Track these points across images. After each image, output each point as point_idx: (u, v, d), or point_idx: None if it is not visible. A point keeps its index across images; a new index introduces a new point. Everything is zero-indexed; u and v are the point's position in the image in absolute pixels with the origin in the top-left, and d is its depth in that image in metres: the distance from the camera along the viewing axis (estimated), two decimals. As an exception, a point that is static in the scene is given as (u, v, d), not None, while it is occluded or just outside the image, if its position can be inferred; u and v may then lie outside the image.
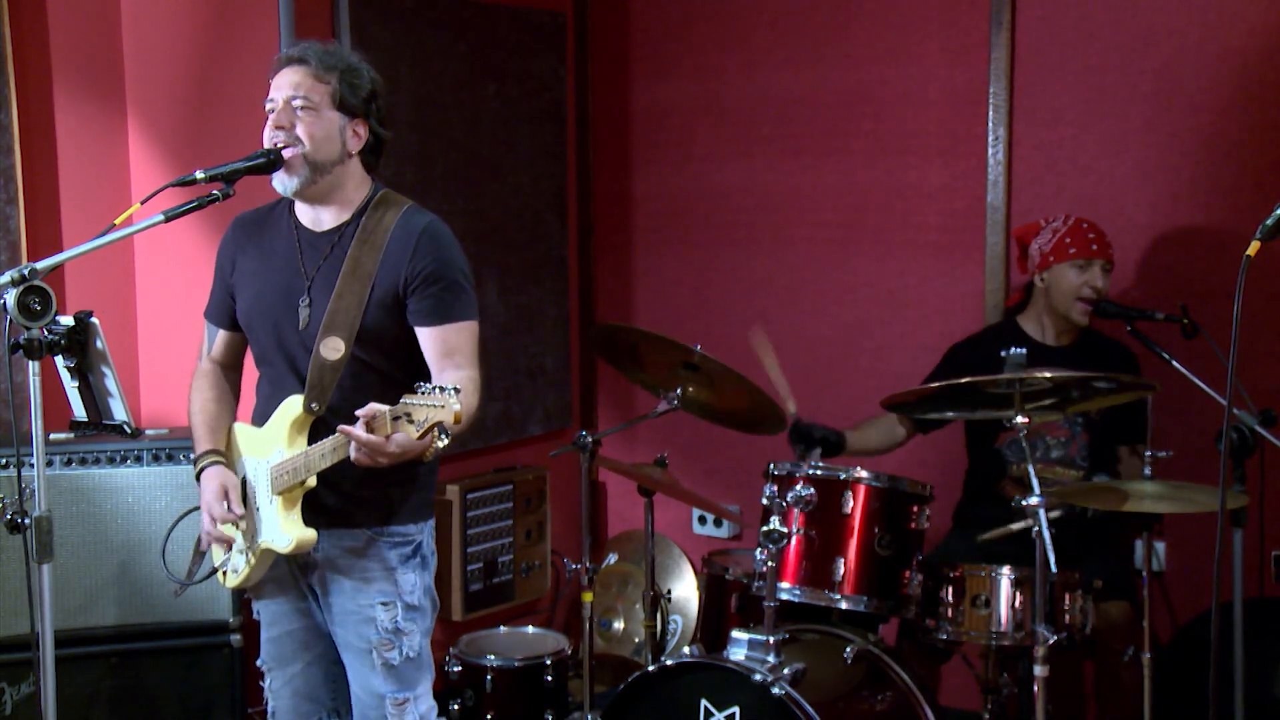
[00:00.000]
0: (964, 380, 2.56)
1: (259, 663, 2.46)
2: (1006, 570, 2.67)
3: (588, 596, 3.02)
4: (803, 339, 3.91)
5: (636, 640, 3.98)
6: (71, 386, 2.35)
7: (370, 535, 2.29)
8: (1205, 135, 3.28)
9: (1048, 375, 2.49)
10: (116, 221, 2.10)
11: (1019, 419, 2.51)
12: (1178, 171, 3.31)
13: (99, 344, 2.27)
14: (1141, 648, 2.66)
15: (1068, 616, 2.70)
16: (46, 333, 1.98)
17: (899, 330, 3.79)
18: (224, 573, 2.42)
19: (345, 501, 2.28)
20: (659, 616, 3.05)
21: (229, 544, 2.35)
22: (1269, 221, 1.82)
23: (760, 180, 3.97)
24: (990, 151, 3.58)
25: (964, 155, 3.64)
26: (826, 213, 3.88)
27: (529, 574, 3.94)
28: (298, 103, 2.24)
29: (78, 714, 2.97)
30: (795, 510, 2.71)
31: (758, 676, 2.50)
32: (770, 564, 2.58)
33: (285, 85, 2.27)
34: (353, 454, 2.06)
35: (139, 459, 2.99)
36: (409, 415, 1.97)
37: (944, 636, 2.72)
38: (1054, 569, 2.39)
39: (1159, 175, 3.34)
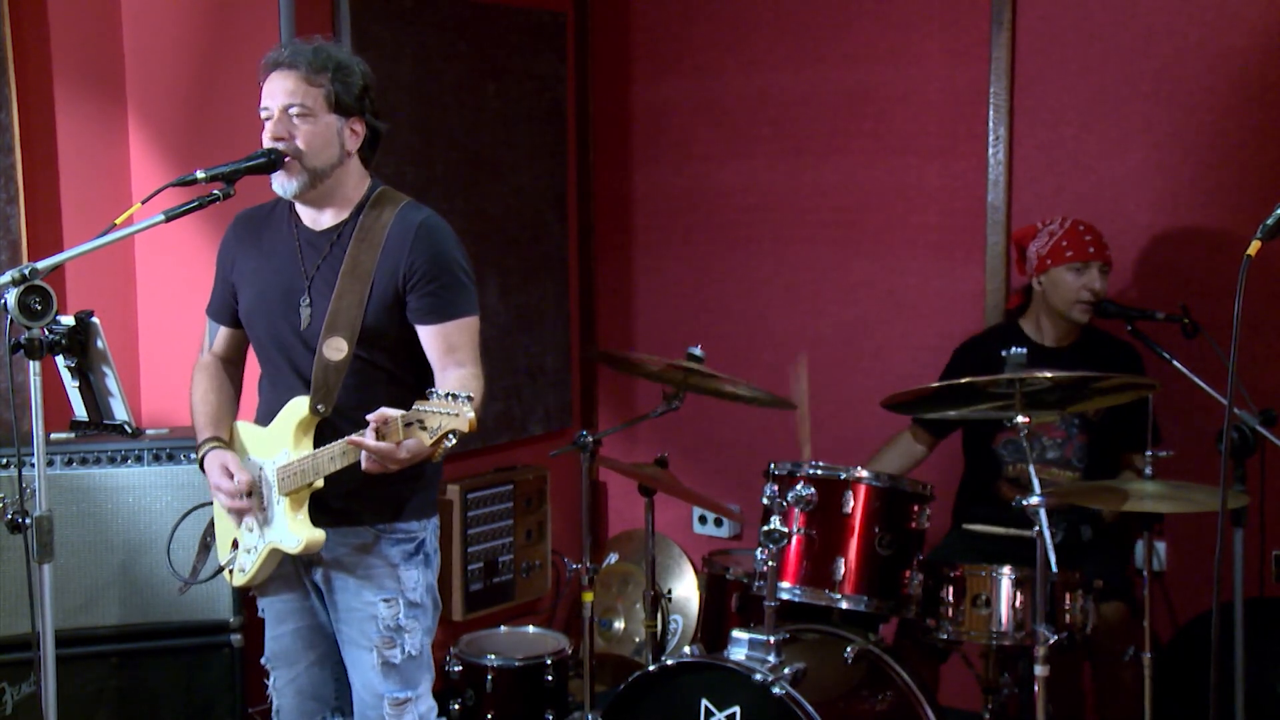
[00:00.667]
0: (964, 380, 2.56)
1: (263, 660, 2.46)
2: (1007, 570, 2.66)
3: (588, 596, 3.02)
4: (802, 339, 3.91)
5: (637, 640, 3.97)
6: (72, 386, 2.36)
7: (375, 533, 2.30)
8: (1205, 135, 3.27)
9: (1048, 375, 2.49)
10: (117, 221, 2.10)
11: (1019, 419, 2.51)
12: (1178, 171, 3.30)
13: (99, 344, 2.28)
14: (1142, 647, 2.65)
15: (1068, 616, 2.69)
16: (47, 332, 1.98)
17: (899, 330, 3.79)
18: (230, 571, 2.41)
19: (351, 500, 2.28)
20: (659, 616, 3.06)
21: (242, 525, 2.34)
22: (1269, 221, 1.82)
23: (760, 180, 3.97)
24: (990, 151, 3.57)
25: (964, 155, 3.63)
26: (826, 213, 3.88)
27: (529, 574, 3.94)
28: (294, 110, 2.25)
29: (79, 714, 2.97)
30: (796, 510, 2.70)
31: (758, 676, 2.50)
32: (771, 564, 2.58)
33: (279, 93, 2.27)
34: (364, 462, 2.07)
35: (140, 459, 3.00)
36: (422, 422, 1.96)
37: (944, 636, 2.71)
38: (1054, 569, 2.39)
39: (1159, 175, 3.33)
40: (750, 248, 4.04)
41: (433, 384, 2.17)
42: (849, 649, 2.69)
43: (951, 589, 2.71)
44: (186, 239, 3.45)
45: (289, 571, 2.38)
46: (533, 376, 4.13)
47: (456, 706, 3.18)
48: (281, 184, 2.28)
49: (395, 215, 2.29)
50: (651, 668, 2.62)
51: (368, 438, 2.01)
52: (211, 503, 2.42)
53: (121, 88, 3.52)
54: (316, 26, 3.31)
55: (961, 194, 3.65)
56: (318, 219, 2.34)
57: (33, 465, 2.00)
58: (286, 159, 2.26)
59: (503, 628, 3.48)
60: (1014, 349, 2.54)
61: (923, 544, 2.78)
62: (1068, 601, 2.69)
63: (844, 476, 2.71)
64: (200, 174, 2.18)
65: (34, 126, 3.30)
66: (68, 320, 2.21)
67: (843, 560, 2.67)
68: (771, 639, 2.55)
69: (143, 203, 2.21)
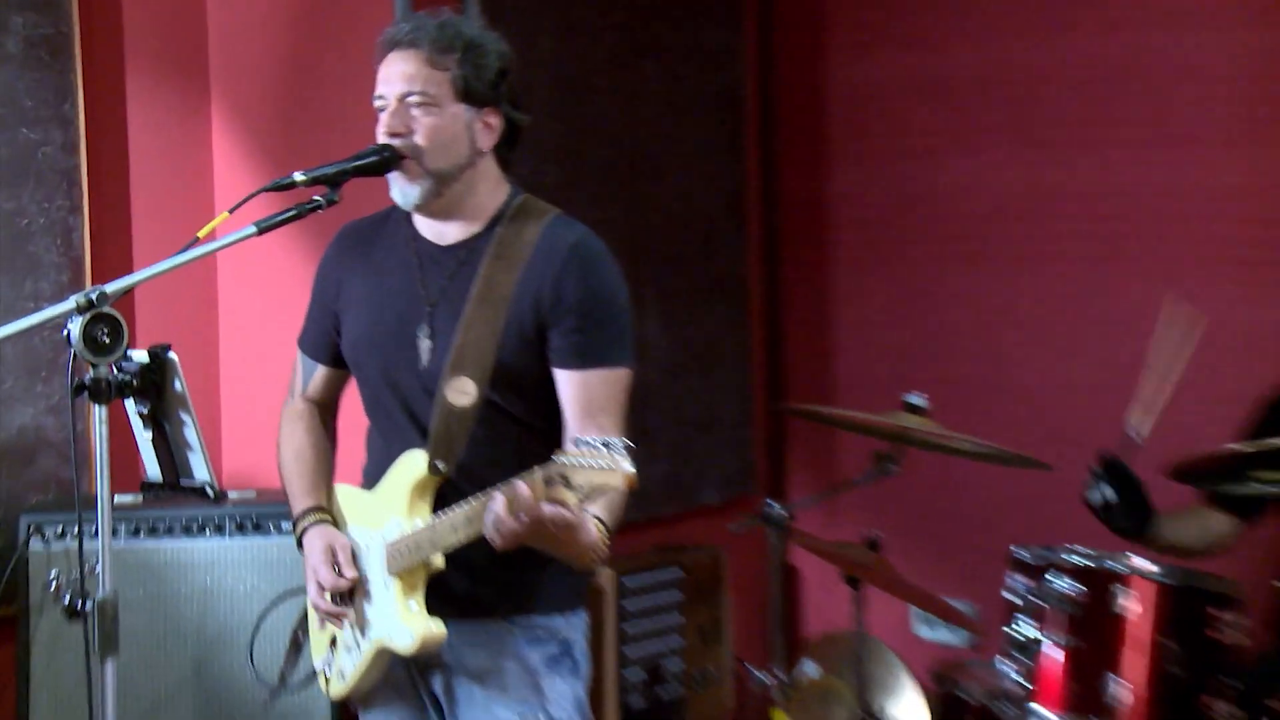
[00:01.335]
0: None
1: (367, 791, 2.46)
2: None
3: (780, 717, 3.00)
4: (1049, 386, 3.86)
5: (841, 776, 3.93)
6: (144, 438, 2.38)
7: (507, 627, 2.31)
8: None
9: None
10: (199, 235, 2.13)
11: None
12: None
13: (177, 385, 2.31)
14: None
15: None
16: (116, 370, 1.99)
17: (1187, 375, 3.63)
18: (326, 677, 2.42)
19: (476, 584, 2.30)
20: (872, 746, 2.99)
21: (342, 621, 2.35)
22: None
23: (994, 180, 3.96)
24: (1312, 137, 3.51)
25: (1273, 143, 3.56)
26: (1081, 221, 3.84)
27: (704, 686, 3.91)
28: (413, 99, 2.29)
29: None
30: (1053, 611, 2.65)
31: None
32: (1021, 682, 2.53)
33: (396, 78, 2.31)
34: (489, 531, 2.08)
35: (220, 528, 3.03)
36: (566, 478, 1.97)
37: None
38: None
39: None
40: (981, 267, 4.02)
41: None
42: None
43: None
44: (281, 257, 3.51)
45: (400, 678, 2.38)
46: (705, 430, 4.12)
47: None
48: (400, 189, 2.32)
49: (541, 231, 2.34)
50: (865, 814, 2.57)
51: (498, 508, 2.03)
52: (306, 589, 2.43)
53: (205, 75, 3.60)
54: (440, -3, 3.37)
55: (1272, 195, 3.57)
56: (442, 233, 2.39)
57: (95, 536, 2.00)
58: (404, 158, 2.29)
59: (670, 759, 3.50)
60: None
61: (1231, 661, 2.67)
62: None
63: (1118, 567, 2.65)
64: (299, 176, 2.21)
65: (101, 121, 3.38)
66: (140, 356, 2.23)
67: (1117, 680, 2.59)
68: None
69: (230, 212, 2.25)
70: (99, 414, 2.02)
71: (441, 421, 2.26)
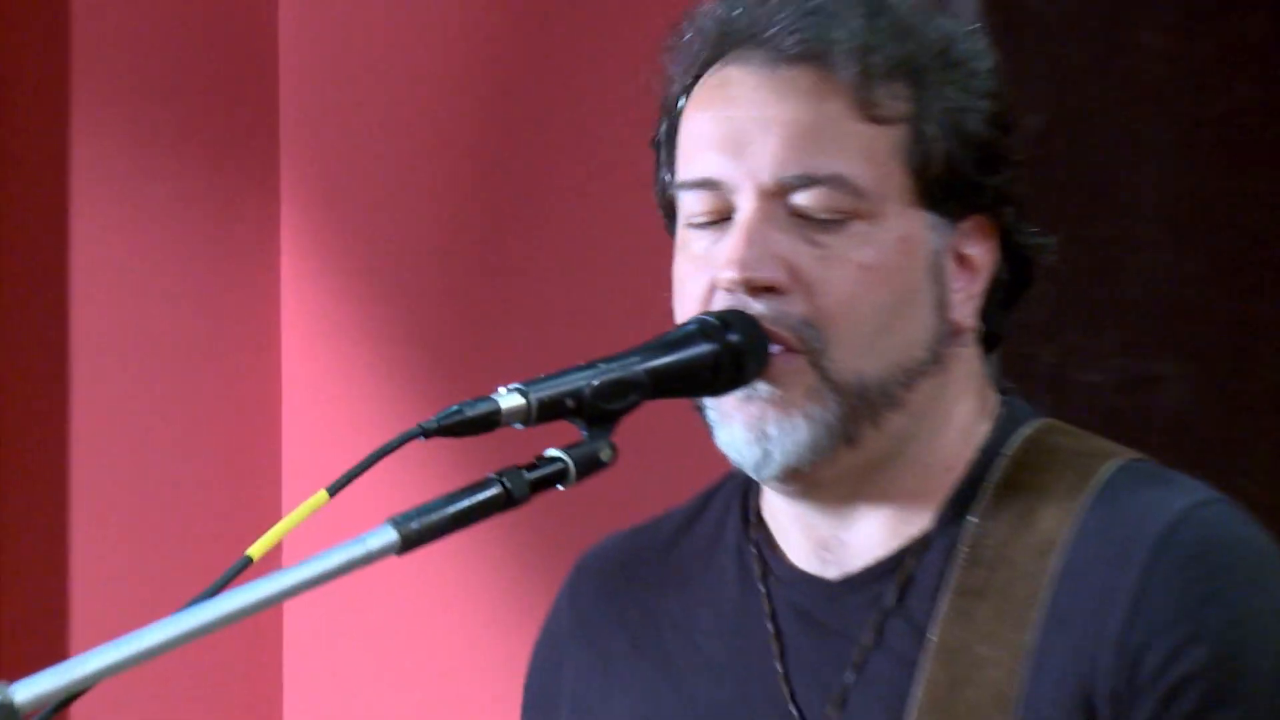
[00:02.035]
0: None
1: None
2: None
3: None
4: None
5: None
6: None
7: None
8: None
9: None
10: (251, 554, 1.38)
11: None
12: None
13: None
14: None
15: None
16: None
17: None
18: None
19: None
20: None
21: None
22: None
23: None
24: None
25: None
26: None
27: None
28: (809, 197, 1.50)
29: None
30: None
31: None
32: None
33: (754, 133, 1.52)
34: None
35: None
36: None
37: None
38: None
39: None
40: None
41: None
42: None
43: None
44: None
45: None
46: None
47: None
48: (748, 433, 1.53)
49: (1086, 509, 1.56)
50: None
51: None
52: None
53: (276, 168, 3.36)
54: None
55: None
56: (837, 542, 1.61)
57: None
58: (770, 355, 1.51)
59: None
60: None
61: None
62: None
63: None
64: (504, 399, 1.44)
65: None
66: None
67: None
68: None
69: (331, 492, 1.44)
70: None
71: None
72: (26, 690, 1.19)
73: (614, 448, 1.39)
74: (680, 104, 1.53)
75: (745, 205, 1.45)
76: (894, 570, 1.53)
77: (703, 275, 1.46)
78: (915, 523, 1.53)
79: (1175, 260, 3.22)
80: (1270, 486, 3.14)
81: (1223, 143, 3.29)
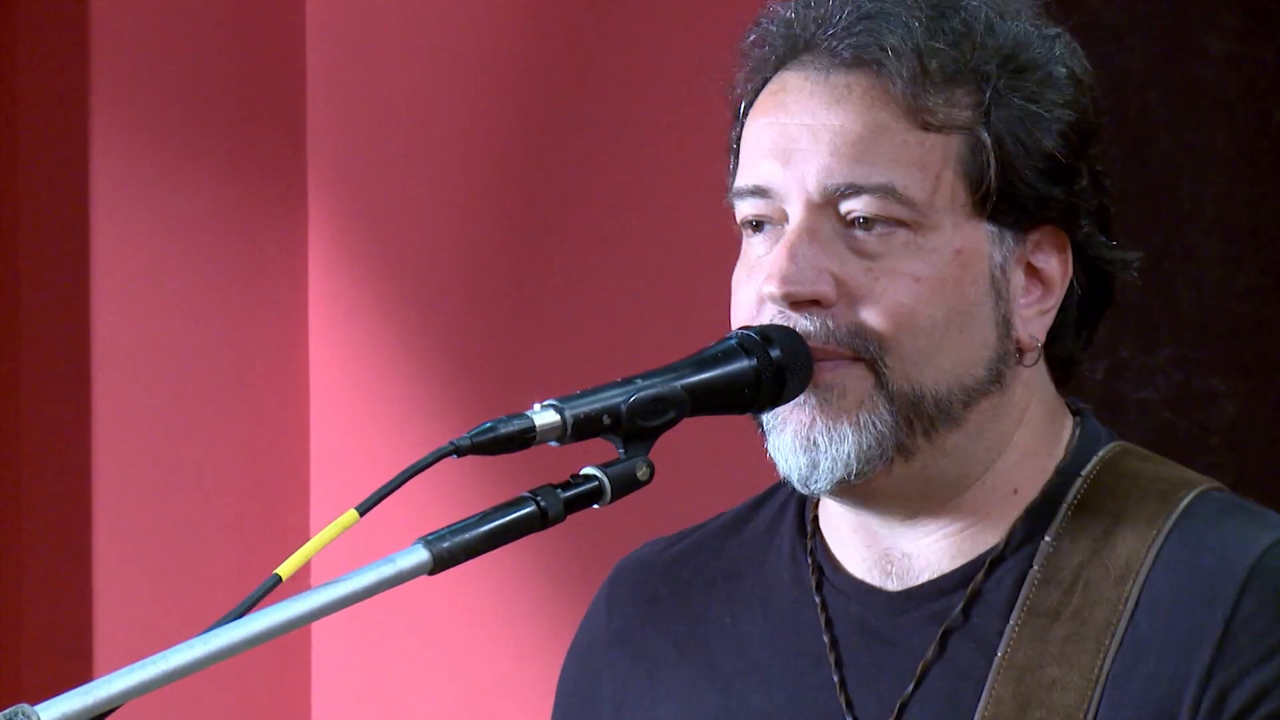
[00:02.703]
0: None
1: None
2: None
3: None
4: None
5: None
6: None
7: None
8: None
9: None
10: (281, 573, 1.40)
11: None
12: None
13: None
14: None
15: None
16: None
17: None
18: None
19: None
20: None
21: None
22: None
23: None
24: None
25: None
26: None
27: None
28: (858, 206, 1.51)
29: None
30: None
31: None
32: None
33: (805, 143, 1.54)
34: None
35: None
36: None
37: None
38: None
39: None
40: None
41: None
42: None
43: None
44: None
45: None
46: None
47: None
48: (799, 445, 1.54)
49: (1165, 539, 1.57)
50: None
51: None
52: None
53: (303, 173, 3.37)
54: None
55: None
56: (899, 554, 1.62)
57: None
58: (812, 371, 1.53)
59: None
60: None
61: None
62: None
63: None
64: (538, 415, 1.45)
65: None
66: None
67: None
68: None
69: (361, 511, 1.44)
70: None
71: None
72: (52, 711, 1.20)
73: (651, 466, 1.39)
74: (745, 110, 1.54)
75: (794, 215, 1.46)
76: (961, 586, 1.53)
77: (754, 285, 1.48)
78: (983, 540, 1.53)
79: (1230, 274, 3.21)
80: (1328, 506, 3.11)
81: (1284, 152, 3.27)
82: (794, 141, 1.48)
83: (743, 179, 1.50)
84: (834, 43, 1.49)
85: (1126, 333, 3.24)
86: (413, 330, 3.41)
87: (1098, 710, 1.48)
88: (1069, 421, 1.57)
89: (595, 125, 3.26)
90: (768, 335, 1.45)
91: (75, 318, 3.20)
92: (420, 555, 1.30)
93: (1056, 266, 1.51)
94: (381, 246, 3.41)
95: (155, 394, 3.28)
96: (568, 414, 1.36)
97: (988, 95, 1.48)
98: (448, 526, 1.35)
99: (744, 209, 1.50)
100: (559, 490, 1.36)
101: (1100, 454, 1.56)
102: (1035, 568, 1.52)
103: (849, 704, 1.54)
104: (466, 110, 3.31)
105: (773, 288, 1.44)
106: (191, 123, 3.39)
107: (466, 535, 1.34)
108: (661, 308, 3.09)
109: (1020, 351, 1.51)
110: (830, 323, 1.46)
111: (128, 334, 3.27)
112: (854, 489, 1.49)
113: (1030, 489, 1.55)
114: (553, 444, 1.38)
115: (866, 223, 1.46)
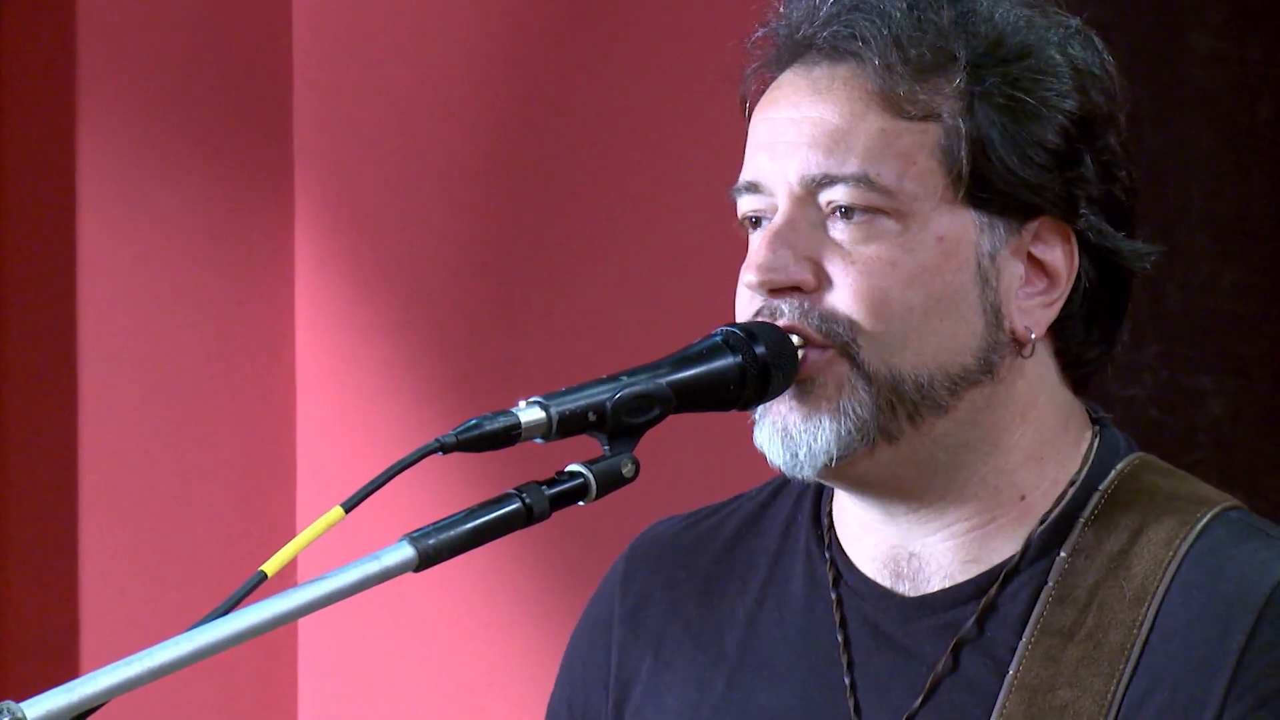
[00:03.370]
0: None
1: None
2: None
3: None
4: None
5: None
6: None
7: None
8: None
9: None
10: (267, 570, 1.40)
11: None
12: None
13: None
14: None
15: None
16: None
17: None
18: None
19: None
20: None
21: None
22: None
23: None
24: None
25: None
26: None
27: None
28: (836, 195, 1.52)
29: None
30: None
31: None
32: None
33: (789, 137, 1.54)
34: None
35: None
36: None
37: None
38: None
39: None
40: None
41: None
42: None
43: None
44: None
45: None
46: None
47: None
48: (781, 429, 1.54)
49: (1185, 551, 1.55)
50: None
51: None
52: None
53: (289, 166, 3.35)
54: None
55: None
56: (910, 556, 1.61)
57: None
58: (790, 355, 1.51)
59: None
60: None
61: None
62: None
63: None
64: (523, 413, 1.44)
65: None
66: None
67: None
68: None
69: (345, 509, 1.44)
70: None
71: None
72: (37, 709, 1.20)
73: (636, 463, 1.39)
74: (750, 110, 1.55)
75: (780, 207, 1.48)
76: (975, 597, 1.53)
77: (749, 275, 1.49)
78: (998, 550, 1.53)
79: (1217, 271, 3.20)
80: (1313, 503, 3.12)
81: (1271, 149, 3.28)
82: (780, 135, 1.49)
83: (741, 176, 1.51)
84: (818, 36, 1.50)
85: (1113, 329, 3.25)
86: (399, 328, 3.40)
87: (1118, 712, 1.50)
88: (1088, 431, 1.56)
89: (581, 124, 3.27)
90: (753, 332, 1.46)
91: (61, 316, 3.18)
92: (406, 552, 1.30)
93: (1061, 258, 1.50)
94: (368, 244, 3.41)
95: (141, 392, 3.28)
96: (553, 411, 1.36)
97: (960, 82, 1.50)
98: (433, 523, 1.34)
99: (741, 206, 1.51)
100: (544, 487, 1.35)
101: (1119, 467, 1.56)
102: (1050, 584, 1.51)
103: (857, 708, 1.55)
104: (453, 109, 3.31)
105: (751, 276, 1.46)
106: (178, 121, 3.39)
107: (452, 532, 1.33)
108: (647, 306, 3.08)
109: (1015, 343, 1.51)
110: (807, 305, 1.47)
111: (114, 332, 3.27)
112: (840, 472, 1.48)
113: (1042, 499, 1.54)
114: (538, 441, 1.37)
115: (846, 212, 1.47)
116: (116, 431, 3.25)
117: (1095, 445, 1.55)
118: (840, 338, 1.46)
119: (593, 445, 1.41)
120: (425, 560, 1.31)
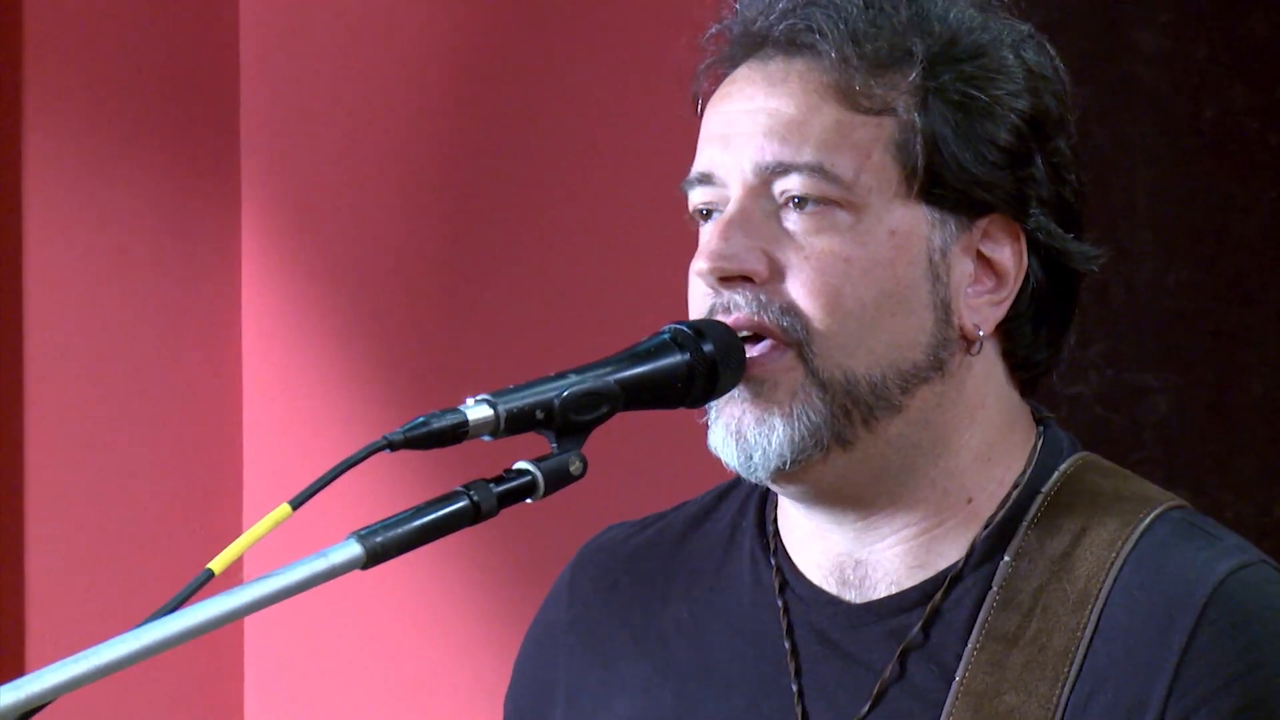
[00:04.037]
0: None
1: None
2: None
3: None
4: None
5: None
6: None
7: None
8: None
9: None
10: (213, 568, 1.39)
11: None
12: None
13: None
14: None
15: None
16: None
17: None
18: None
19: None
20: None
21: None
22: None
23: None
24: None
25: None
26: None
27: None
28: (790, 186, 1.49)
29: None
30: None
31: None
32: None
33: (744, 127, 1.53)
34: None
35: None
36: None
37: None
38: None
39: None
40: None
41: None
42: None
43: None
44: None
45: None
46: None
47: None
48: (733, 428, 1.52)
49: (1128, 554, 1.54)
50: None
51: None
52: None
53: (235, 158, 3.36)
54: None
55: None
56: (856, 563, 1.59)
57: None
58: (738, 350, 1.50)
59: None
60: None
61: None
62: None
63: None
64: (471, 411, 1.43)
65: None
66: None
67: None
68: None
69: (294, 505, 1.44)
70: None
71: None
72: (-18, 706, 1.18)
73: (584, 460, 1.39)
74: (702, 106, 1.54)
75: (733, 196, 1.47)
76: (920, 604, 1.52)
77: (700, 265, 1.48)
78: (944, 555, 1.52)
79: (1162, 269, 3.20)
80: (1256, 499, 3.14)
81: (1216, 148, 3.28)
82: (733, 126, 1.49)
83: (693, 169, 1.50)
84: (774, 30, 1.49)
85: (1059, 328, 3.25)
86: (346, 325, 3.39)
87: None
88: (1032, 431, 1.56)
89: (529, 124, 3.26)
90: (700, 329, 1.45)
91: (7, 313, 3.14)
92: (353, 550, 1.29)
93: (1010, 257, 1.50)
94: (315, 242, 3.38)
95: (88, 389, 3.26)
96: (501, 409, 1.35)
97: (916, 77, 1.49)
98: (381, 521, 1.33)
99: (693, 198, 1.50)
100: (492, 485, 1.34)
101: (1062, 468, 1.55)
102: (995, 589, 1.51)
103: (805, 716, 1.54)
104: (400, 108, 3.29)
105: (703, 264, 1.44)
106: (125, 119, 3.37)
107: (399, 530, 1.33)
108: (596, 304, 3.07)
109: (964, 340, 1.51)
110: (763, 297, 1.46)
111: (60, 330, 3.23)
112: (793, 477, 1.47)
113: (988, 501, 1.53)
114: (486, 438, 1.36)
115: (800, 202, 1.46)
116: (62, 429, 3.22)
117: (1039, 446, 1.55)
118: (796, 334, 1.45)
119: (541, 443, 1.40)
120: (373, 558, 1.30)
